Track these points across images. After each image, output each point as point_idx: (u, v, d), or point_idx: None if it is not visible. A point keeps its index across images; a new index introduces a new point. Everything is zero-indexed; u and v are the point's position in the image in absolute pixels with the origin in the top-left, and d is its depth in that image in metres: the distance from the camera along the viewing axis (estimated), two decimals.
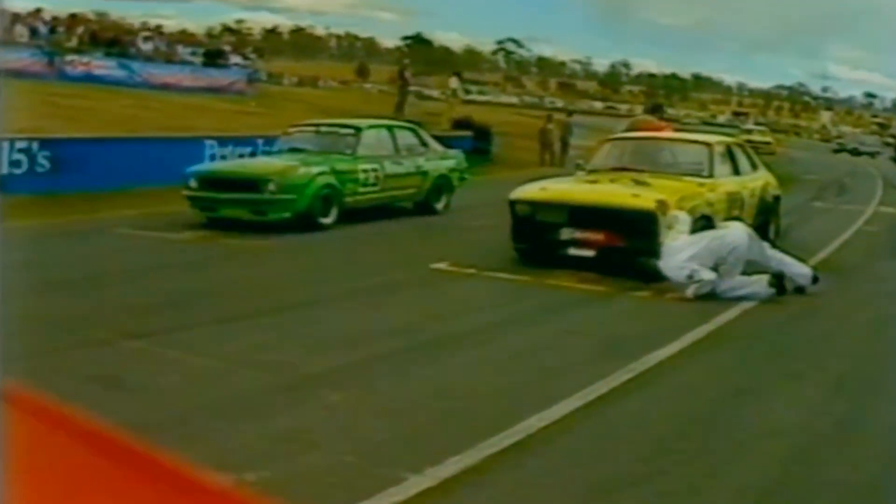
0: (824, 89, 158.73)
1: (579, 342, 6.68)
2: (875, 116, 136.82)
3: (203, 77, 31.82)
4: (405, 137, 14.07)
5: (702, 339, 6.83)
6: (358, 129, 13.27)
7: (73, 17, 32.06)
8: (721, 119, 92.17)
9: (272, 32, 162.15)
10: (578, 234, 9.29)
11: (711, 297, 8.16)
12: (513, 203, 9.77)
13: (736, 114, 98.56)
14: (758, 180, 11.51)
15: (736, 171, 10.91)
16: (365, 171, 12.76)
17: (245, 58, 35.00)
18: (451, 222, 13.35)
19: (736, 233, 8.57)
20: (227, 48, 34.75)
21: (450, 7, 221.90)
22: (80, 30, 29.79)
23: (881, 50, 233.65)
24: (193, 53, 32.77)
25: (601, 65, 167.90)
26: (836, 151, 59.16)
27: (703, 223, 8.98)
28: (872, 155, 57.57)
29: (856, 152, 58.17)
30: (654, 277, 8.64)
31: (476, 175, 18.44)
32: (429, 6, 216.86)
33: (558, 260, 9.32)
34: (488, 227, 10.87)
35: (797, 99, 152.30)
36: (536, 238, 9.62)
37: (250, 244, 10.57)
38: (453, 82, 30.32)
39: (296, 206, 11.64)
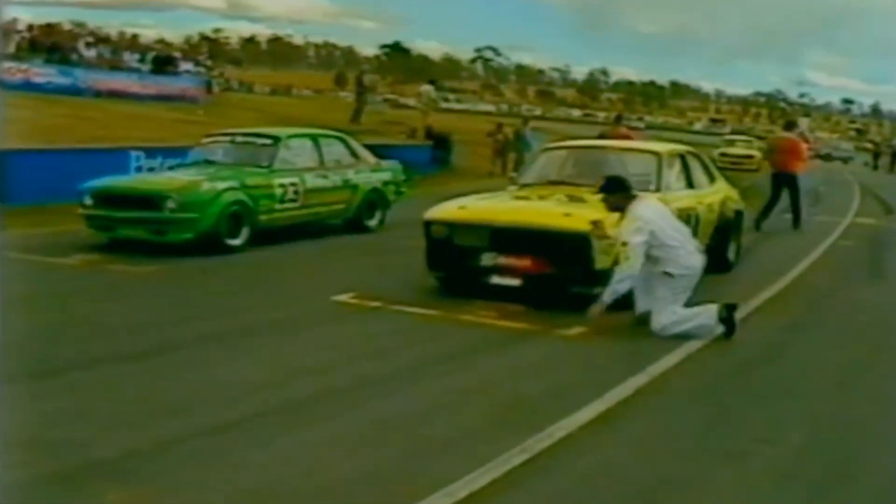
0: (801, 95, 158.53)
1: (475, 405, 5.28)
2: (853, 122, 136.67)
3: (153, 84, 30.56)
4: (332, 148, 12.70)
5: (628, 399, 5.42)
6: (276, 140, 11.92)
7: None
8: (697, 126, 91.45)
9: (250, 41, 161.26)
10: (502, 260, 7.96)
11: (650, 336, 6.84)
12: (427, 224, 8.43)
13: (713, 120, 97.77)
14: (716, 194, 10.16)
15: (690, 184, 9.60)
16: (283, 185, 11.42)
17: (197, 64, 33.54)
18: (380, 242, 11.99)
19: (699, 258, 7.29)
20: (177, 55, 33.30)
21: (430, 15, 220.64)
22: (18, 37, 28.45)
23: (859, 56, 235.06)
24: (141, 60, 31.35)
25: (580, 72, 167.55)
26: (811, 158, 58.89)
27: None
28: (845, 160, 57.99)
29: (828, 157, 58.30)
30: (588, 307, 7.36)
31: (432, 186, 17.27)
32: (410, 14, 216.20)
33: (481, 289, 8.02)
34: (421, 247, 9.51)
35: (775, 105, 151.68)
36: (454, 264, 8.30)
37: (138, 270, 9.22)
38: (427, 90, 28.93)
39: (199, 226, 10.34)
